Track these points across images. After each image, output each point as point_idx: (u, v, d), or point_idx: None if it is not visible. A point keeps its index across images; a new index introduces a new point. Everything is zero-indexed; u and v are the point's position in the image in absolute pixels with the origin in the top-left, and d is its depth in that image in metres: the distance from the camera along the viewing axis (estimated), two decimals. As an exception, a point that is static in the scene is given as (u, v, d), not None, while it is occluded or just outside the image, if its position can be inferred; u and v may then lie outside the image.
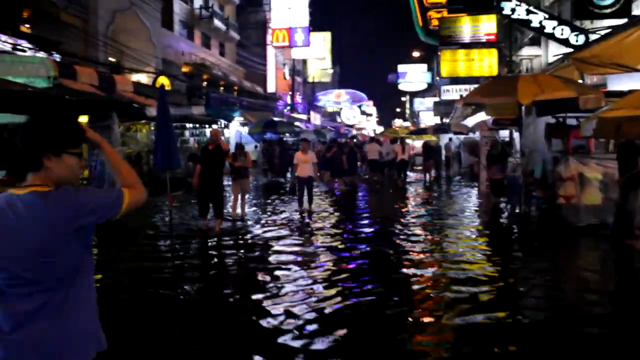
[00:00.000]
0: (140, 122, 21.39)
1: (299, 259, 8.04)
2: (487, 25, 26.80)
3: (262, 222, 11.51)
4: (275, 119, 23.95)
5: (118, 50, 24.11)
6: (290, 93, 48.30)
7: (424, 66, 61.20)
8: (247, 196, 12.87)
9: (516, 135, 21.17)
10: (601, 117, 7.47)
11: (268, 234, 10.01)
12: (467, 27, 27.35)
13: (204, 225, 10.17)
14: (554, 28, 14.64)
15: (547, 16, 14.78)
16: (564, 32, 14.51)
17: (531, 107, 9.40)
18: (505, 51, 26.45)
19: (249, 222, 11.44)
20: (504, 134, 18.55)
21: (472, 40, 27.45)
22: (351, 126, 68.59)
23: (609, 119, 7.51)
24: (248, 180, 12.19)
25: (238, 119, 23.37)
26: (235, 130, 24.56)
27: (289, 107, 47.14)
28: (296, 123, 39.07)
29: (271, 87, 46.38)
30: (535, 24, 14.81)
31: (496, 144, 13.00)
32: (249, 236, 9.92)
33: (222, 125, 21.68)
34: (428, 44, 44.08)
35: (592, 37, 14.37)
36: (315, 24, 51.92)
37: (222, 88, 37.86)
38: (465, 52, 27.65)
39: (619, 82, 10.07)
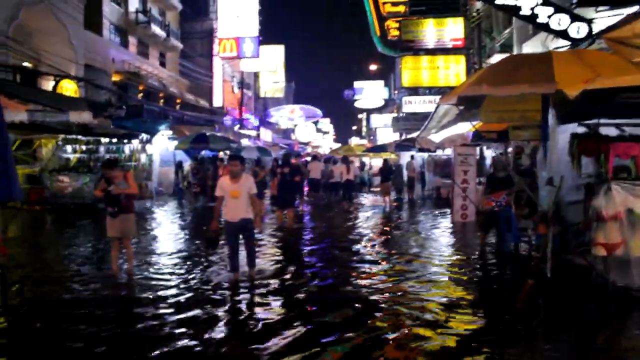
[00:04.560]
0: (43, 135, 17.71)
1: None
2: (454, 28, 24.02)
3: (161, 293, 7.02)
4: (208, 133, 20.31)
5: (22, 53, 20.21)
6: (240, 108, 44.64)
7: (381, 82, 58.88)
8: (133, 242, 8.77)
9: (488, 153, 18.19)
10: None
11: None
12: (431, 30, 24.52)
13: None
14: (549, 17, 11.56)
15: (541, 1, 11.71)
16: (561, 21, 11.46)
17: (547, 109, 6.16)
18: (473, 58, 23.58)
19: (136, 290, 7.27)
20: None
21: (436, 46, 24.60)
22: (306, 143, 65.52)
23: None
24: (131, 217, 8.05)
25: (166, 133, 19.65)
26: (164, 147, 20.88)
27: (238, 124, 43.60)
28: (243, 140, 35.63)
29: (218, 101, 42.79)
30: (525, 11, 11.68)
31: (499, 164, 9.76)
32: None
33: (144, 140, 17.97)
34: (386, 58, 41.50)
35: (596, 27, 11.40)
36: (269, 39, 48.84)
37: (161, 100, 34.27)
38: (429, 59, 24.76)
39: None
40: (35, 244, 11.28)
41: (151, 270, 8.48)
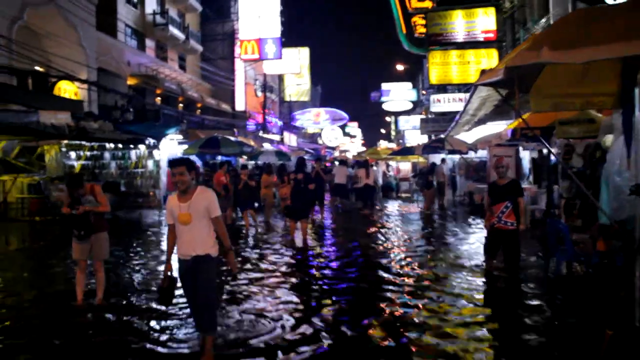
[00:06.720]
0: (50, 141, 16.58)
1: None
2: (485, 20, 22.30)
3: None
4: (220, 136, 18.94)
5: (24, 56, 19.14)
6: (263, 112, 43.37)
7: (409, 84, 57.03)
8: (103, 265, 6.77)
9: (526, 154, 16.39)
10: None
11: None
12: (460, 23, 22.82)
13: None
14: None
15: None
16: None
17: (633, 86, 4.52)
18: (507, 52, 21.77)
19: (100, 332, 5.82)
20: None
21: (466, 39, 22.89)
22: (333, 148, 64.01)
23: None
24: (103, 237, 6.57)
25: (175, 137, 18.35)
26: (174, 153, 19.55)
27: (261, 128, 42.35)
28: (265, 144, 34.37)
29: (240, 105, 41.62)
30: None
31: (502, 168, 7.52)
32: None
33: (151, 144, 16.69)
34: (413, 58, 39.86)
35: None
36: (294, 41, 47.57)
37: (180, 104, 33.25)
38: (458, 54, 23.07)
39: None
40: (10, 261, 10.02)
41: (124, 302, 7.00)
